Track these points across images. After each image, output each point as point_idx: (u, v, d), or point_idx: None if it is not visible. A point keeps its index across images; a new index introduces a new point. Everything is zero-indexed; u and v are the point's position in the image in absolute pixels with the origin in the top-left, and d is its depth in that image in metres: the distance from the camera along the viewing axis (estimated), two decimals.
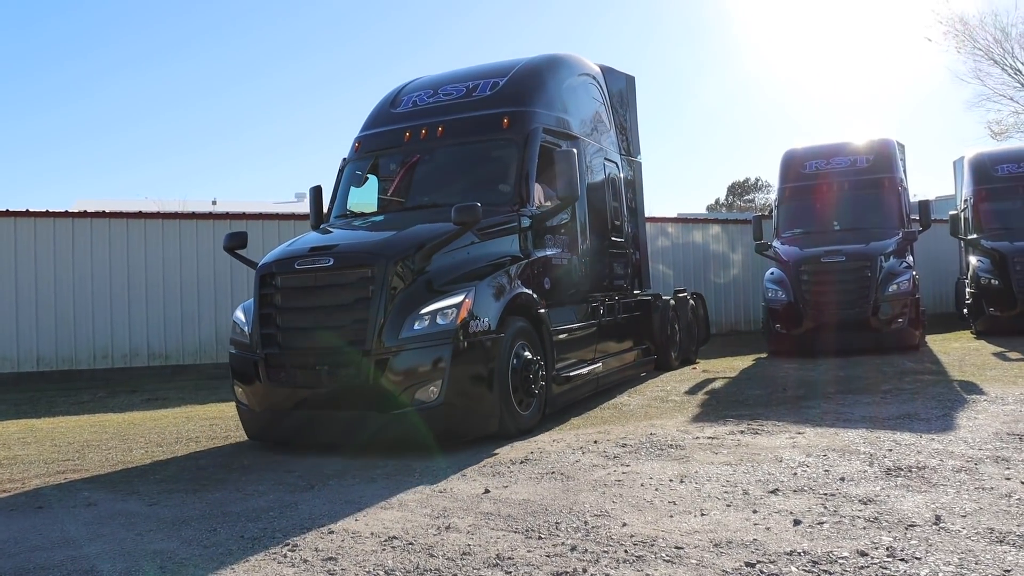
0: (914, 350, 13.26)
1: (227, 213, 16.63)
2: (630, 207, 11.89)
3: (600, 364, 9.61)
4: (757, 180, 74.57)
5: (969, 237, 16.75)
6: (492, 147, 8.83)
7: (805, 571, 3.59)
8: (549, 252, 8.66)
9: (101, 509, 5.44)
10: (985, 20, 33.92)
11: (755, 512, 4.52)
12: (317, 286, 7.15)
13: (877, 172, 14.85)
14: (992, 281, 15.60)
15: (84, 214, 15.26)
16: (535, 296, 7.94)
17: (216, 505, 5.39)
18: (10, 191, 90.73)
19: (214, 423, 9.22)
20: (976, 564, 3.56)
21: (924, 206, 14.89)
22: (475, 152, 8.92)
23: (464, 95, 9.26)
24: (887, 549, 3.80)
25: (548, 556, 3.98)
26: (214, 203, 44.63)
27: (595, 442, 6.76)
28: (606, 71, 11.64)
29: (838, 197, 14.92)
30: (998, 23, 33.53)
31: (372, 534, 4.50)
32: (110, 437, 8.54)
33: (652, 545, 4.05)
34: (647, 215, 13.29)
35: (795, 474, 5.36)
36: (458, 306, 6.86)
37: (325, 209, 9.72)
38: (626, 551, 3.99)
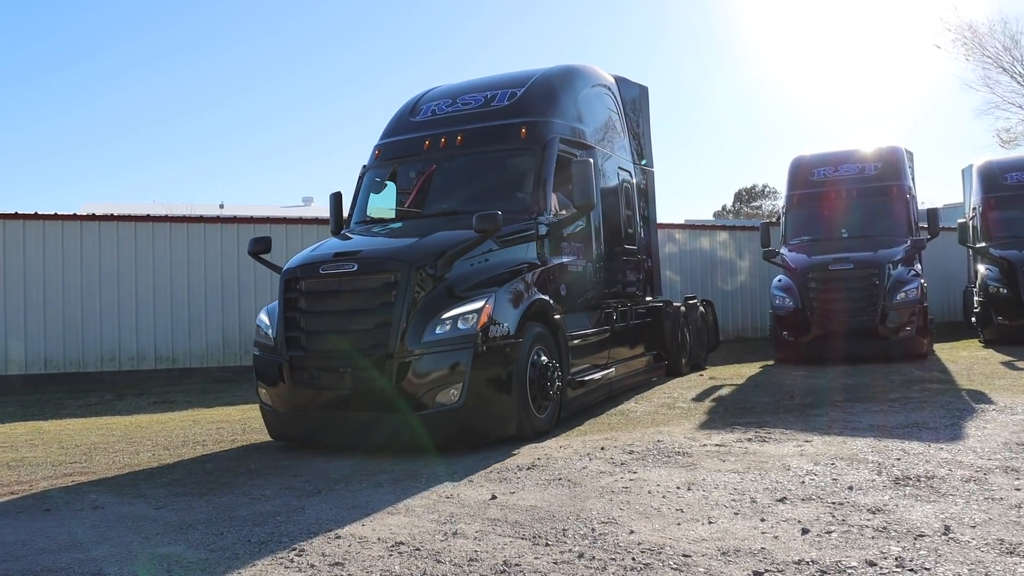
0: (922, 358, 13.21)
1: (235, 217, 16.67)
2: (643, 215, 12.02)
3: (613, 369, 9.76)
4: (764, 187, 74.47)
5: (978, 245, 16.69)
6: (510, 156, 9.00)
7: None
8: (565, 259, 8.86)
9: (108, 512, 5.45)
10: (994, 28, 33.91)
11: (763, 520, 4.50)
12: (341, 290, 7.33)
13: (885, 180, 14.82)
14: (1001, 290, 15.54)
15: (92, 217, 15.32)
16: (552, 302, 8.07)
17: (223, 509, 5.39)
18: (19, 194, 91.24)
19: (221, 426, 9.23)
20: (986, 575, 3.54)
21: (932, 214, 14.86)
22: (493, 161, 9.07)
23: (482, 105, 9.41)
24: (896, 559, 3.78)
25: (555, 563, 3.97)
26: (221, 207, 44.81)
27: (602, 449, 6.75)
28: (620, 81, 11.79)
29: (846, 204, 14.88)
30: (1007, 31, 33.43)
31: (379, 539, 4.50)
32: (117, 440, 8.56)
33: (660, 553, 4.04)
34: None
35: (803, 482, 5.34)
36: (479, 311, 7.03)
37: (345, 214, 9.90)
38: (633, 559, 3.98)
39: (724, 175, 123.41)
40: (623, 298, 10.70)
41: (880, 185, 14.80)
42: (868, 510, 4.62)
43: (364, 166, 9.80)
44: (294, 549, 4.39)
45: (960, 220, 17.28)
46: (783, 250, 14.78)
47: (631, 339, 10.87)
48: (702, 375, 12.46)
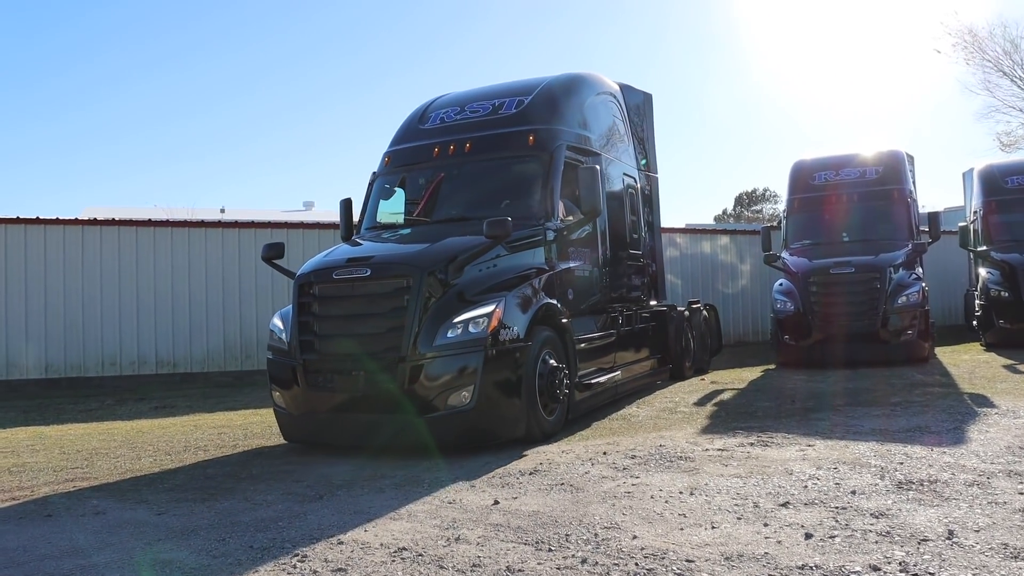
0: (923, 362, 13.20)
1: (236, 222, 16.70)
2: (647, 220, 12.17)
3: (619, 372, 9.93)
4: (765, 191, 74.43)
5: (979, 249, 16.69)
6: (518, 163, 9.14)
7: None
8: (572, 264, 9.02)
9: (110, 518, 5.45)
10: (994, 32, 34.08)
11: (766, 525, 4.50)
12: (354, 295, 7.50)
13: (886, 184, 14.82)
14: (1002, 293, 15.53)
15: (94, 222, 15.33)
16: (559, 306, 8.23)
17: (225, 515, 5.38)
18: (20, 198, 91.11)
19: (222, 432, 9.22)
20: None
21: (933, 218, 14.87)
22: (501, 168, 9.21)
23: (490, 112, 9.56)
24: (900, 564, 3.77)
25: (558, 568, 3.96)
26: (222, 211, 44.85)
27: (604, 453, 6.74)
28: (624, 88, 11.95)
29: (847, 208, 14.87)
30: (1007, 35, 33.58)
31: (381, 545, 4.49)
32: (118, 445, 8.55)
33: (663, 558, 4.03)
34: None
35: (806, 487, 5.33)
36: (489, 315, 7.19)
37: (355, 220, 10.05)
38: (636, 564, 3.97)
39: (725, 179, 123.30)
40: (628, 302, 10.84)
41: (881, 189, 14.80)
42: (871, 514, 4.61)
43: (374, 173, 9.94)
44: (296, 555, 4.38)
45: (961, 224, 17.29)
46: (784, 254, 14.78)
47: (636, 343, 11.02)
48: (703, 379, 12.46)
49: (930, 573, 3.65)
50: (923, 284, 13.54)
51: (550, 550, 4.25)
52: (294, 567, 4.19)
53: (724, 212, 76.71)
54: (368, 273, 7.41)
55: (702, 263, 20.35)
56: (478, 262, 7.68)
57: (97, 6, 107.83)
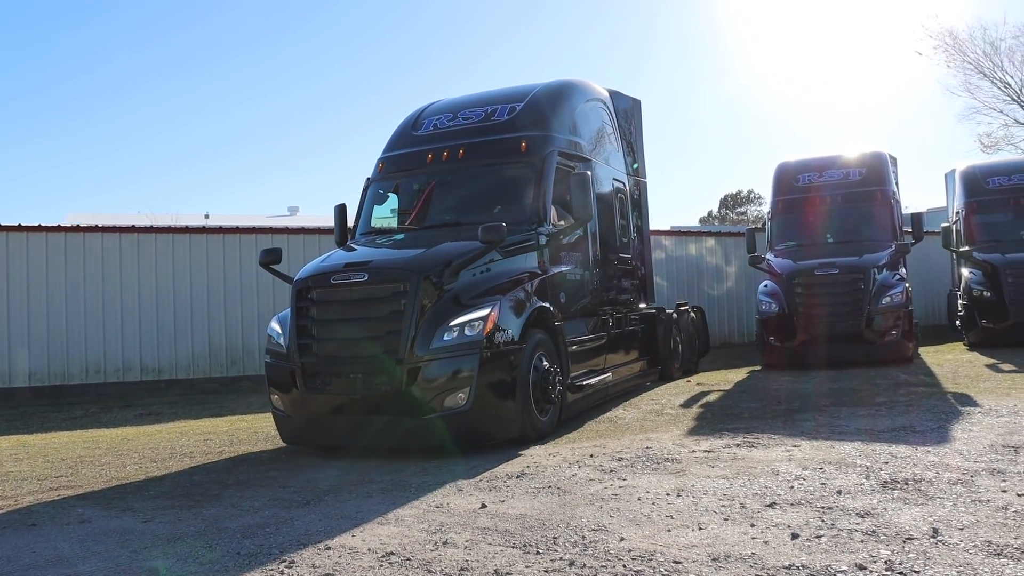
0: (907, 362, 13.27)
1: (220, 227, 16.60)
2: (636, 224, 12.35)
3: (609, 374, 10.09)
4: (750, 192, 74.80)
5: (961, 249, 16.80)
6: (511, 169, 9.29)
7: None
8: (564, 268, 9.18)
9: (95, 526, 5.41)
10: (974, 34, 34.24)
11: (753, 526, 4.52)
12: (352, 299, 7.62)
13: (869, 185, 14.91)
14: (984, 293, 15.63)
15: (77, 228, 15.23)
16: (552, 309, 8.38)
17: (211, 521, 5.36)
18: (1, 206, 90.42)
19: (208, 438, 9.17)
20: None
21: (916, 218, 14.97)
22: (494, 174, 9.37)
23: (483, 119, 9.70)
24: (886, 563, 3.79)
25: (546, 571, 3.97)
26: (207, 217, 44.62)
27: (591, 456, 6.75)
28: (614, 95, 12.09)
29: (831, 210, 14.95)
30: (987, 37, 33.76)
31: (369, 550, 4.48)
32: (103, 453, 8.49)
33: (650, 560, 4.04)
34: None
35: (792, 487, 5.35)
36: (484, 319, 7.33)
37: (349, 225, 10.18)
38: (624, 566, 3.98)
39: (710, 181, 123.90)
40: (618, 305, 11.00)
41: (864, 190, 14.88)
42: (857, 514, 4.64)
43: (368, 179, 10.06)
44: (284, 561, 4.37)
45: (944, 224, 17.40)
46: (769, 256, 14.84)
47: (626, 345, 11.20)
48: (689, 381, 12.49)
49: (915, 571, 3.67)
50: (907, 285, 13.62)
51: (538, 553, 4.26)
52: (281, 573, 4.18)
53: (709, 214, 77.03)
54: (365, 278, 7.52)
55: (688, 265, 20.41)
56: (473, 266, 7.81)
57: (79, 21, 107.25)
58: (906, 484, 5.28)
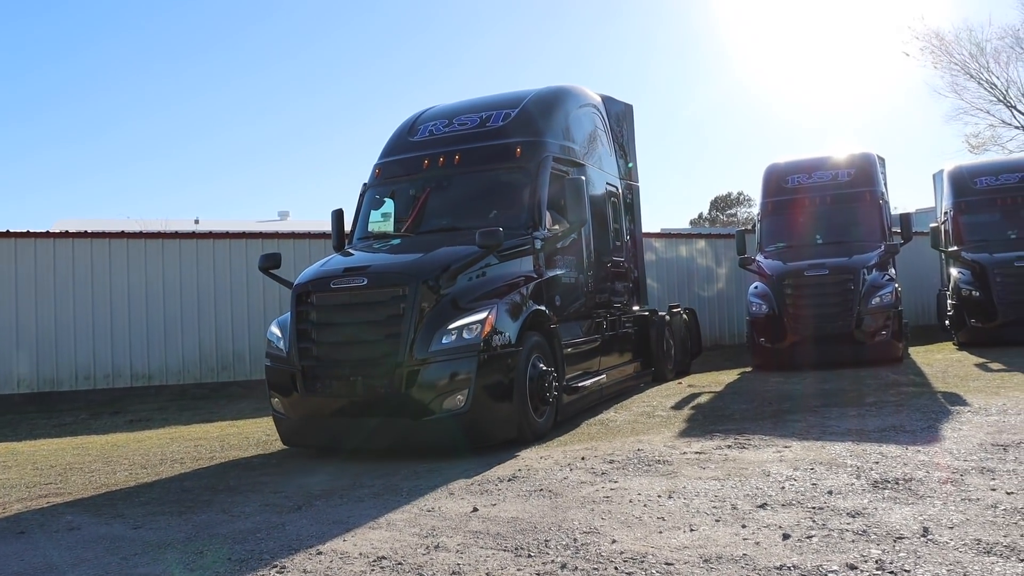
0: (897, 362, 13.33)
1: (210, 232, 16.55)
2: (629, 228, 12.52)
3: (604, 376, 10.22)
4: (740, 194, 74.98)
5: (950, 249, 16.87)
6: (506, 174, 9.42)
7: None
8: (559, 271, 9.30)
9: (84, 533, 5.38)
10: (960, 36, 34.49)
11: (744, 527, 4.52)
12: (352, 303, 7.72)
13: (858, 186, 14.97)
14: (973, 293, 15.72)
15: (65, 234, 15.14)
16: (548, 312, 8.51)
17: (202, 527, 5.34)
18: None
19: (199, 444, 9.14)
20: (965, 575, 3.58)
21: (905, 219, 15.03)
22: (490, 179, 9.49)
23: (478, 125, 9.84)
24: (876, 562, 3.81)
25: (538, 574, 3.97)
26: (196, 222, 44.48)
27: (583, 459, 6.76)
28: (606, 100, 12.24)
29: (820, 211, 15.01)
30: (973, 38, 34.02)
31: (360, 554, 4.47)
32: (93, 459, 8.45)
33: (642, 562, 4.04)
34: None
35: (783, 488, 5.36)
36: (482, 322, 7.45)
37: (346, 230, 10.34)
38: (616, 568, 3.98)
39: (700, 183, 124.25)
40: (612, 307, 11.12)
41: (853, 191, 14.95)
42: (848, 514, 4.65)
43: (365, 184, 10.16)
44: (275, 566, 4.35)
45: (932, 224, 17.49)
46: (759, 257, 14.88)
47: (620, 347, 11.31)
48: (680, 383, 12.51)
49: (906, 571, 3.68)
50: (896, 285, 13.68)
51: (529, 556, 4.25)
52: None
53: (700, 216, 77.18)
54: (365, 282, 7.63)
55: (678, 267, 20.44)
56: (470, 271, 7.93)
57: (73, 34, 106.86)
58: (896, 484, 5.30)
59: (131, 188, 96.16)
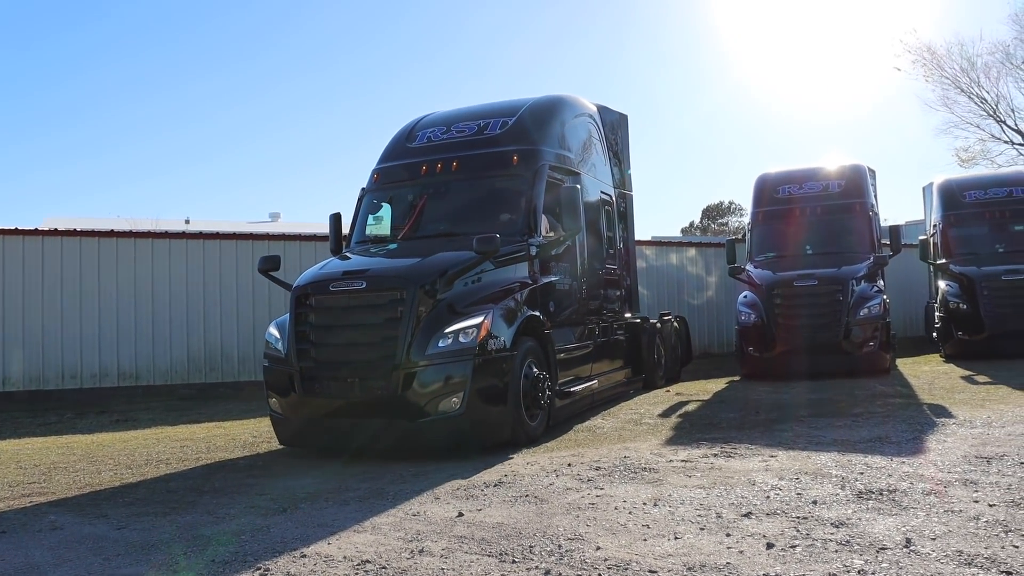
0: (885, 373, 13.38)
1: (200, 233, 16.51)
2: (622, 236, 12.62)
3: (596, 381, 10.34)
4: (731, 203, 75.17)
5: (938, 262, 16.96)
6: (503, 182, 9.57)
7: None
8: (553, 278, 9.42)
9: (68, 533, 5.35)
10: (952, 50, 34.69)
11: (728, 535, 4.54)
12: (350, 306, 7.85)
13: (849, 197, 15.04)
14: (961, 305, 15.80)
15: (54, 232, 15.08)
16: (542, 318, 8.64)
17: (187, 528, 5.32)
18: None
19: (185, 445, 9.10)
20: None
21: (894, 231, 15.10)
22: (487, 186, 9.65)
23: (476, 132, 9.98)
24: (859, 572, 3.82)
25: None
26: (187, 222, 44.31)
27: (569, 465, 6.76)
28: (602, 109, 12.36)
29: (810, 222, 15.08)
30: (964, 53, 34.27)
31: (345, 558, 4.47)
32: (78, 459, 8.41)
33: (626, 569, 4.05)
34: None
35: (768, 497, 5.38)
36: (478, 326, 7.58)
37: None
38: (600, 575, 3.98)
39: (692, 192, 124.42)
40: (604, 314, 11.25)
41: (844, 202, 15.02)
42: (832, 524, 4.67)
43: (363, 189, 10.27)
44: (259, 568, 4.34)
45: (921, 237, 17.59)
46: (748, 266, 14.92)
47: (611, 353, 11.44)
48: (668, 391, 12.54)
49: None
50: (884, 296, 13.74)
51: (514, 561, 4.26)
52: None
53: (691, 224, 77.31)
54: (364, 286, 7.76)
55: (668, 275, 20.48)
56: (467, 276, 8.06)
57: (59, 26, 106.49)
58: (880, 494, 5.32)
59: (121, 187, 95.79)
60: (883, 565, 3.91)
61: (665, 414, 9.91)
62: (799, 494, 5.43)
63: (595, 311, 10.83)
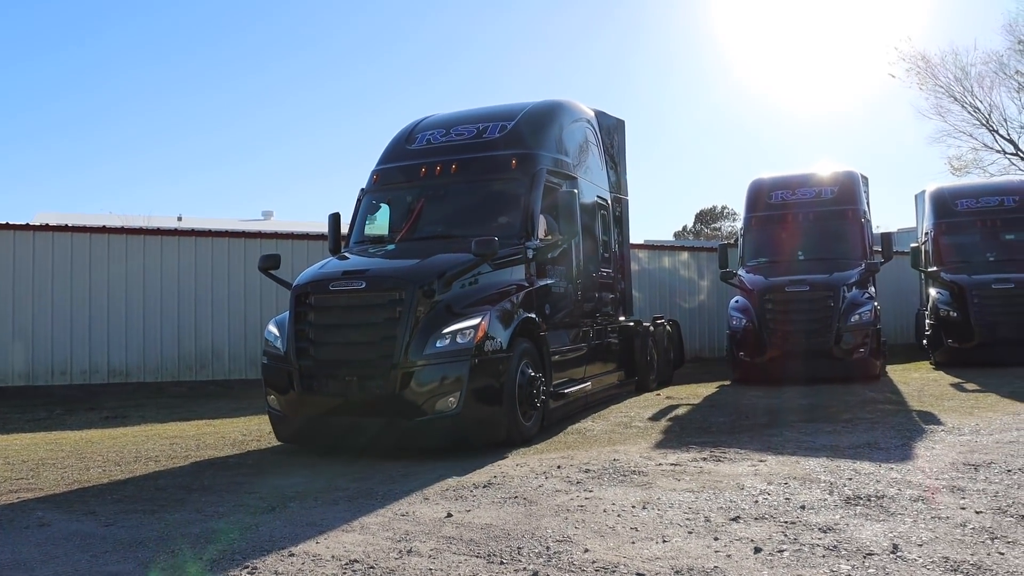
0: (875, 380, 13.42)
1: (192, 230, 16.47)
2: (617, 240, 12.71)
3: (589, 383, 10.47)
4: (724, 208, 75.39)
5: (929, 269, 17.00)
6: (501, 185, 9.66)
7: None
8: (549, 281, 9.50)
9: (55, 530, 5.33)
10: (946, 59, 34.69)
11: (716, 539, 4.55)
12: (350, 306, 7.96)
13: (841, 204, 15.08)
14: (951, 313, 15.84)
15: (46, 227, 15.01)
16: (537, 320, 8.77)
17: (175, 526, 5.31)
18: None
19: (175, 442, 9.08)
20: None
21: (886, 238, 15.13)
22: (485, 189, 9.74)
23: (475, 136, 10.08)
24: None
25: None
26: (179, 219, 44.18)
27: (558, 467, 6.77)
28: (599, 114, 12.45)
29: (803, 227, 15.10)
30: (958, 62, 34.31)
31: (333, 557, 4.46)
32: (66, 455, 8.38)
33: (614, 571, 4.05)
34: None
35: (756, 502, 5.40)
36: (475, 328, 7.70)
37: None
38: None
39: (686, 196, 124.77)
40: (599, 317, 11.34)
41: (836, 209, 15.06)
42: (819, 529, 4.69)
43: (362, 189, 10.34)
44: (246, 567, 4.34)
45: (913, 244, 17.63)
46: (741, 271, 14.96)
47: (605, 356, 11.57)
48: (659, 394, 12.55)
49: None
50: (875, 303, 13.79)
51: (502, 563, 4.26)
52: None
53: (684, 229, 77.53)
54: (363, 285, 7.87)
55: (661, 279, 20.53)
56: (465, 278, 8.15)
57: (61, 34, 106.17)
58: (869, 500, 5.34)
59: (113, 183, 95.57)
60: (870, 571, 3.93)
61: (655, 417, 9.92)
62: (787, 499, 5.44)
63: (590, 314, 10.91)
